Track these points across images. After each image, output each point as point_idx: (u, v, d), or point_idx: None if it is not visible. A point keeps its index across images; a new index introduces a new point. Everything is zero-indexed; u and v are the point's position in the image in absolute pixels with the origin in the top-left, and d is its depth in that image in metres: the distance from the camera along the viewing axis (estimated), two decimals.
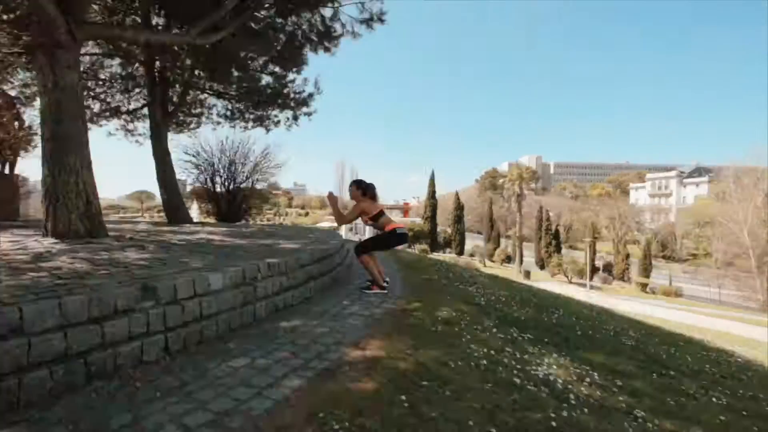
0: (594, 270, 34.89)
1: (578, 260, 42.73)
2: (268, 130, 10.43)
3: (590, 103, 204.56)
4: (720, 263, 40.76)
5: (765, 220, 33.55)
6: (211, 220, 10.61)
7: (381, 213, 4.22)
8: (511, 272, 33.82)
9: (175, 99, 8.44)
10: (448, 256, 42.01)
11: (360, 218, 4.28)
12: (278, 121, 10.30)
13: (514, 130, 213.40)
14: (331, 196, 4.42)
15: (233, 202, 10.13)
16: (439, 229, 44.60)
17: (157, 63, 7.68)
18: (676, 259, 53.10)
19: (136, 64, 8.12)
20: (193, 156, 10.07)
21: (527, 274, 29.41)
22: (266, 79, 8.53)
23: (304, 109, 9.91)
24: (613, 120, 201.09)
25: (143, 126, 9.43)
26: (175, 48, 6.86)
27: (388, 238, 4.21)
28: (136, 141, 9.97)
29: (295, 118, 10.05)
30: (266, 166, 10.48)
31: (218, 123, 10.10)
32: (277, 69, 7.91)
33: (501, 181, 37.60)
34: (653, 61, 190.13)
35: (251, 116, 10.15)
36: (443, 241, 45.38)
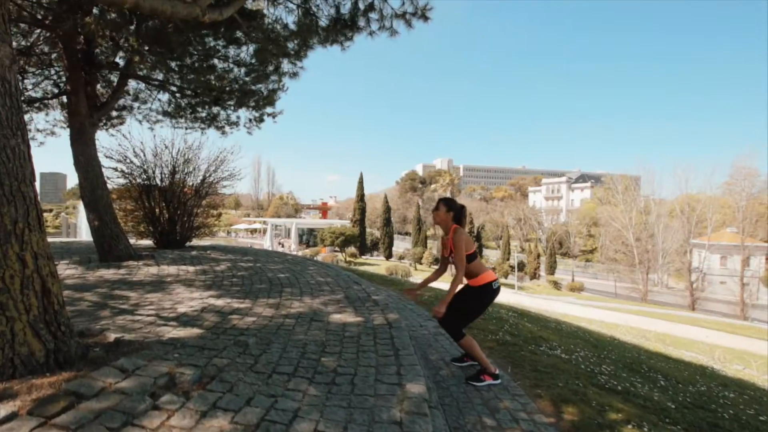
0: (510, 269, 37.58)
1: (490, 259, 45.90)
2: (223, 133, 8.52)
3: (492, 108, 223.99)
4: (605, 259, 47.55)
5: (645, 223, 39.81)
6: (146, 242, 8.30)
7: (475, 253, 3.04)
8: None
9: (100, 89, 6.17)
10: (377, 259, 41.68)
11: (445, 253, 3.08)
12: (236, 122, 8.47)
13: (428, 133, 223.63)
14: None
15: (178, 221, 8.00)
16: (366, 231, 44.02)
17: (81, 38, 5.48)
18: (570, 256, 60.48)
19: (42, 32, 5.71)
20: (120, 161, 7.71)
21: None
22: (236, 71, 6.73)
23: (269, 109, 8.27)
24: (512, 125, 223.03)
25: (46, 120, 6.83)
26: (118, 20, 4.83)
27: (487, 298, 3.01)
28: (32, 138, 7.25)
29: (260, 119, 8.34)
30: (219, 177, 8.52)
31: (156, 121, 7.88)
32: (254, 60, 6.21)
33: (433, 186, 38.44)
34: (554, 68, 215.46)
35: (202, 114, 8.15)
36: (370, 243, 44.97)
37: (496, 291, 3.08)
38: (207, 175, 8.29)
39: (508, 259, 43.48)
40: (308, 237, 43.13)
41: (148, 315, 3.14)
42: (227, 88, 7.27)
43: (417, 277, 24.32)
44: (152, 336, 2.56)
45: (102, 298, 3.69)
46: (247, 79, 6.59)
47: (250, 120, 8.33)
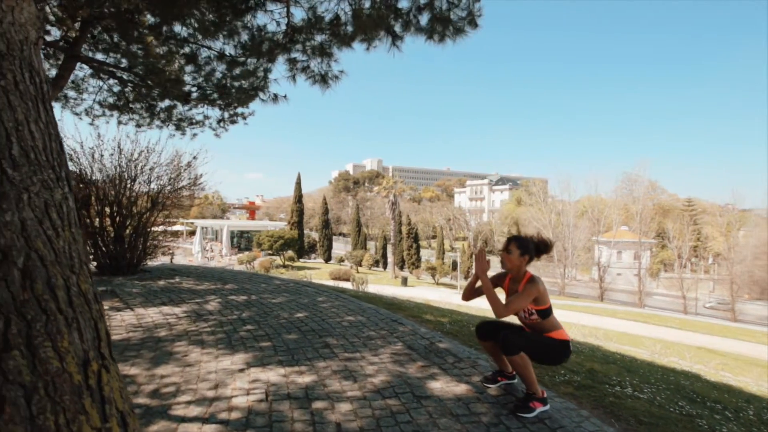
0: (450, 269, 38.90)
1: (431, 260, 47.22)
2: (184, 133, 7.10)
3: (417, 110, 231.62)
4: None
5: (561, 224, 44.09)
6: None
7: (551, 307, 2.59)
8: (382, 278, 34.55)
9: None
10: (315, 262, 40.20)
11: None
12: (200, 122, 7.13)
13: (355, 133, 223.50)
14: (482, 256, 2.58)
15: (128, 239, 6.45)
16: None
17: None
18: (495, 253, 64.85)
19: None
20: None
21: (404, 281, 30.37)
22: (213, 64, 5.49)
23: (241, 109, 7.10)
24: (435, 127, 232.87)
25: None
26: None
27: (559, 352, 2.55)
28: None
29: (232, 120, 7.12)
30: (180, 185, 7.09)
31: (100, 116, 6.24)
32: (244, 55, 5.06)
33: (376, 188, 38.11)
34: (472, 72, 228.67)
35: (158, 109, 6.68)
36: (307, 246, 43.32)
37: (569, 354, 2.61)
38: (166, 183, 6.82)
39: (443, 259, 44.91)
40: (239, 240, 40.01)
41: (200, 418, 2.16)
42: (199, 82, 6.01)
43: (373, 285, 23.75)
44: None
45: None
46: (236, 72, 5.41)
47: (220, 121, 7.06)
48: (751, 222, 44.08)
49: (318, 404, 2.39)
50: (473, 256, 2.73)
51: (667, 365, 7.62)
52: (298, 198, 39.33)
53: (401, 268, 41.08)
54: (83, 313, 1.05)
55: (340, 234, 66.04)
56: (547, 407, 2.51)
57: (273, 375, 2.79)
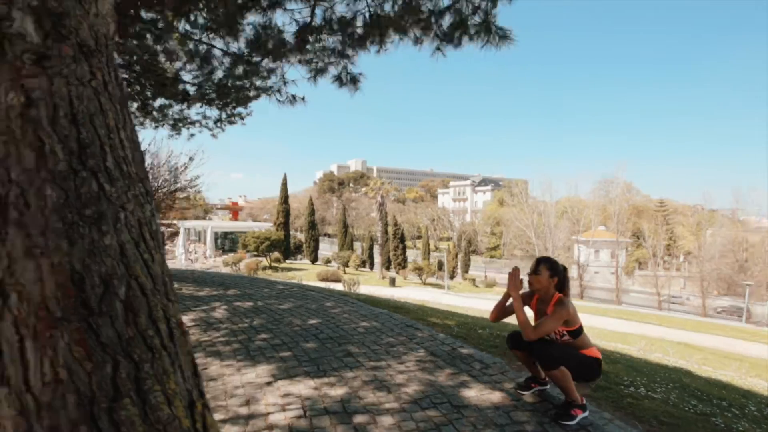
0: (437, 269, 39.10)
1: (417, 260, 47.41)
2: (180, 133, 6.88)
3: (400, 110, 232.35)
4: (509, 255, 52.83)
5: (544, 224, 45.04)
6: None
7: (582, 327, 2.61)
8: (370, 278, 34.44)
9: None
10: (302, 263, 39.75)
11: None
12: (197, 121, 6.91)
13: (342, 133, 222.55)
14: (516, 275, 2.60)
15: None
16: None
17: None
18: (478, 253, 65.59)
19: None
20: None
21: (392, 281, 30.34)
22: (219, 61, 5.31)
23: (240, 109, 6.92)
24: (417, 128, 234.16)
25: None
26: None
27: (594, 369, 2.59)
28: None
29: (231, 120, 6.93)
30: (177, 186, 6.85)
31: None
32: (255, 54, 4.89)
33: (363, 189, 37.90)
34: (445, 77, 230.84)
35: (152, 108, 6.44)
36: (293, 247, 42.77)
37: (600, 373, 2.65)
38: (161, 185, 6.58)
39: (428, 260, 45.12)
40: (224, 241, 39.13)
41: None
42: (200, 81, 5.81)
43: (363, 286, 23.65)
44: None
45: None
46: (239, 71, 5.24)
47: (217, 121, 6.86)
48: (718, 222, 46.01)
49: (359, 418, 2.32)
50: (508, 275, 2.69)
51: (661, 362, 7.85)
52: (285, 198, 38.73)
53: (387, 268, 41.03)
54: (182, 347, 0.95)
55: (325, 235, 65.55)
56: (587, 413, 2.52)
57: (303, 388, 2.69)
